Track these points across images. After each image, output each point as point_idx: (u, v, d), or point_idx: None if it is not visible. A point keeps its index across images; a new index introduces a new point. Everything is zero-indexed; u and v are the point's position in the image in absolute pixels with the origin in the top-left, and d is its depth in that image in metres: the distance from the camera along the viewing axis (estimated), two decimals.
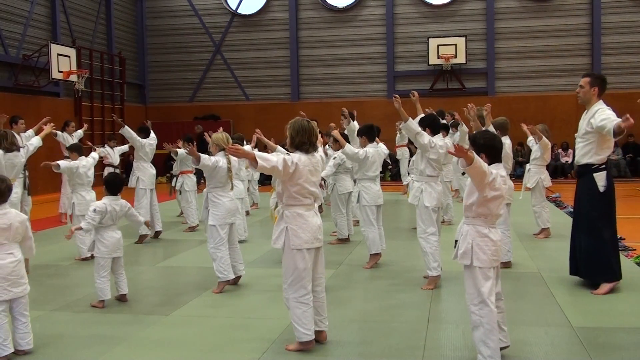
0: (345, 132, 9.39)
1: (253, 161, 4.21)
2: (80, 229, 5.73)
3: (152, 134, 9.93)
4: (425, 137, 6.13)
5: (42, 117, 16.33)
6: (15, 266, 4.39)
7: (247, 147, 11.82)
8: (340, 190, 8.65)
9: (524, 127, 9.32)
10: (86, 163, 7.91)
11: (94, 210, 5.72)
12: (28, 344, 4.49)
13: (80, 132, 12.10)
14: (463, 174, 11.21)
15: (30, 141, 8.25)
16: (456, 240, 4.10)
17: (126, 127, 9.49)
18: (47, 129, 8.75)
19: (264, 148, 9.46)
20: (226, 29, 21.82)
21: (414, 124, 6.15)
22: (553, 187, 10.58)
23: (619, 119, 5.38)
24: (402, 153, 14.92)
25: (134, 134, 9.56)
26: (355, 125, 9.94)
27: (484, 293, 3.91)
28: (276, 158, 4.31)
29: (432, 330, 4.90)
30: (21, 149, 7.75)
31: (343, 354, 4.43)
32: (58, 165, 7.61)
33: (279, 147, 7.52)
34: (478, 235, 3.95)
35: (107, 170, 11.83)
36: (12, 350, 4.39)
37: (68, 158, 11.57)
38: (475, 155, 3.75)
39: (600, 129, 5.56)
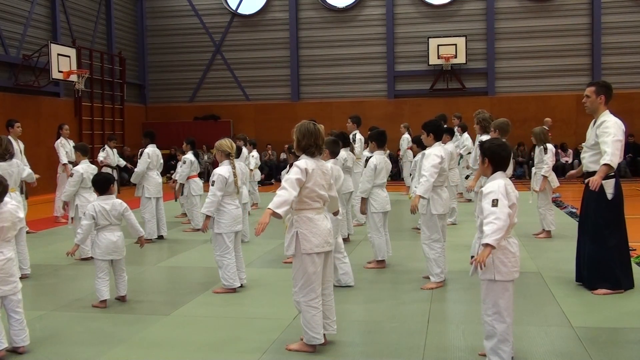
0: (351, 135, 9.41)
1: (275, 214, 4.14)
2: (77, 246, 5.82)
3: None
4: (436, 164, 6.04)
5: (42, 117, 16.51)
6: (5, 264, 4.41)
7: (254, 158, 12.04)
8: (342, 190, 8.64)
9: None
10: (88, 168, 7.79)
11: (84, 214, 5.83)
12: (23, 341, 4.50)
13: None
14: (467, 177, 11.22)
15: (28, 172, 7.65)
16: (472, 256, 4.05)
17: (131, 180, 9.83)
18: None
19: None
20: (226, 29, 21.82)
21: (426, 180, 5.99)
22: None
23: (613, 150, 5.40)
24: (405, 155, 14.91)
25: (138, 170, 9.47)
26: (359, 148, 9.99)
27: (500, 306, 3.89)
28: (287, 190, 4.22)
29: (432, 330, 4.89)
30: (16, 160, 7.18)
31: (343, 354, 4.43)
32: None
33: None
34: (498, 249, 3.90)
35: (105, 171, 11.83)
36: (6, 345, 4.41)
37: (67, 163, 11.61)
38: (488, 241, 3.73)
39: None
